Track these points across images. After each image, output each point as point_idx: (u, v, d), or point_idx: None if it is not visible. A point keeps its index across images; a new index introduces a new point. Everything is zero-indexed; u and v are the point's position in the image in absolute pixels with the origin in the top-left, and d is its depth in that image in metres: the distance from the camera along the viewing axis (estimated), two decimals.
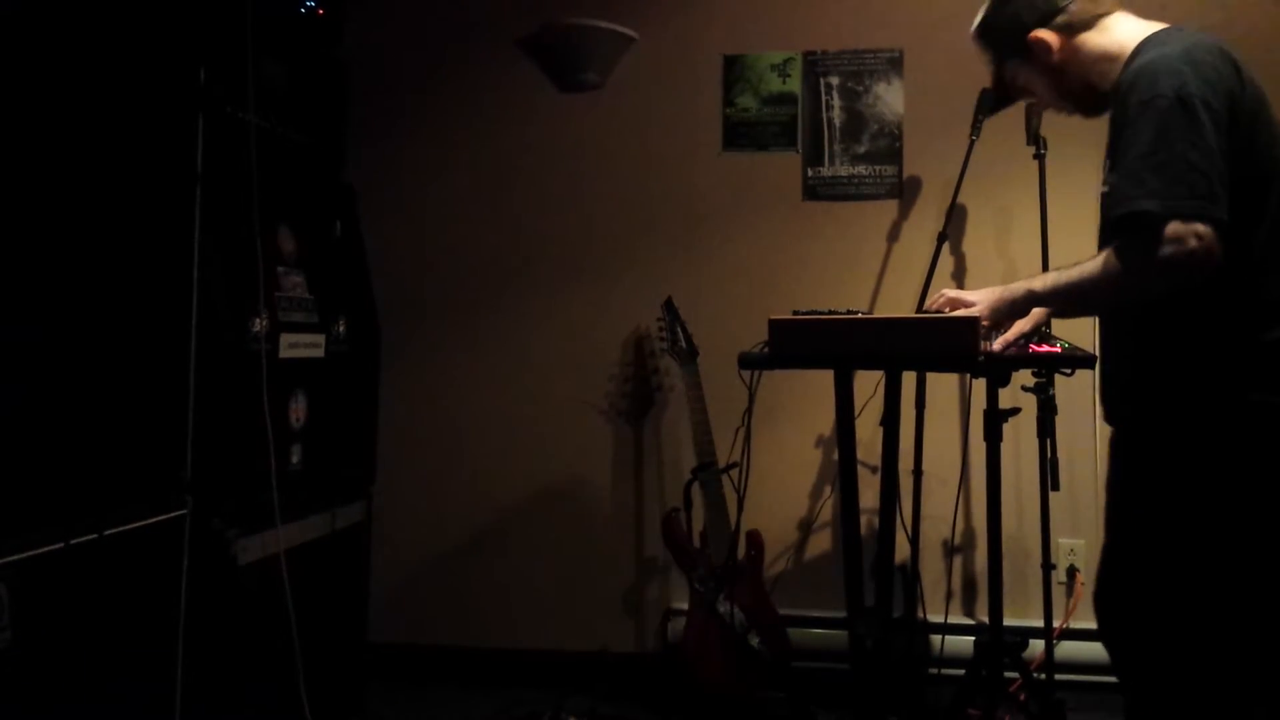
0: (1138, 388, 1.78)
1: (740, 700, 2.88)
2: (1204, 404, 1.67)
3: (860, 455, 2.59)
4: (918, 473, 2.92)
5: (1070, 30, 1.80)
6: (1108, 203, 1.68)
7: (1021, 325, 1.95)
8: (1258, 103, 1.69)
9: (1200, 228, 1.56)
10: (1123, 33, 1.79)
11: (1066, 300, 1.84)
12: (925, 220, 3.20)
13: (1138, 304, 1.75)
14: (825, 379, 2.43)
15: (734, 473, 2.82)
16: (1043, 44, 1.82)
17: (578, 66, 3.34)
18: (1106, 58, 1.79)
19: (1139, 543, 1.75)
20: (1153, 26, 1.79)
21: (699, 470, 2.99)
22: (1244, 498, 1.66)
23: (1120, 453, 1.81)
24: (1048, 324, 2.10)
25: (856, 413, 2.51)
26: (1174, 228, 1.56)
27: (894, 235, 3.24)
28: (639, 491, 3.33)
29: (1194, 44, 1.69)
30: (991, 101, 2.02)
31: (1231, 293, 1.66)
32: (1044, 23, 1.81)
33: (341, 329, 2.81)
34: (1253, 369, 1.65)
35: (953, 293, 2.03)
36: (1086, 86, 1.83)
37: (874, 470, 2.90)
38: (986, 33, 1.91)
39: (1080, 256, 1.89)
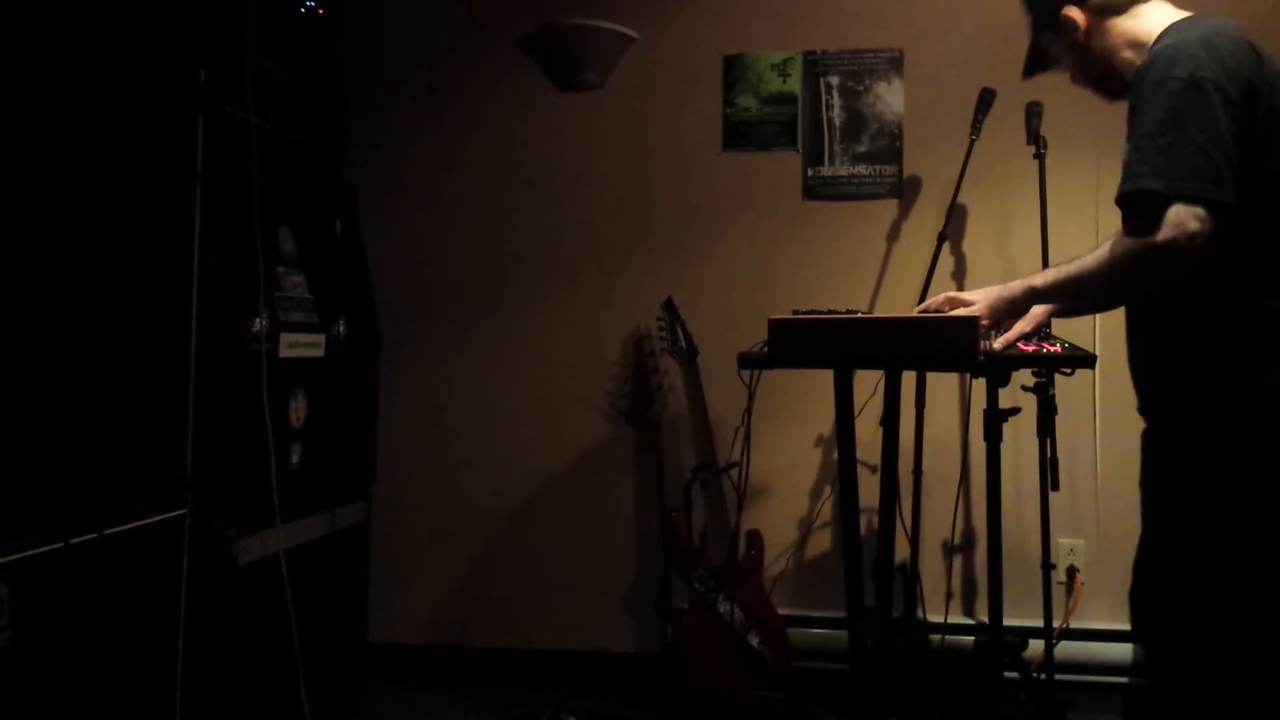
0: (1170, 379, 1.77)
1: (740, 700, 2.88)
2: (1236, 395, 1.66)
3: (860, 455, 2.59)
4: (918, 473, 2.92)
5: (1102, 12, 1.82)
6: None
7: (1021, 326, 1.95)
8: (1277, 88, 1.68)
9: (1201, 211, 1.56)
10: (1152, 20, 1.79)
11: (1068, 294, 1.85)
12: (925, 220, 3.20)
13: (1139, 295, 1.76)
14: (825, 379, 2.43)
15: (734, 473, 2.82)
16: (1072, 21, 1.84)
17: (578, 66, 3.34)
18: (1133, 44, 1.79)
19: (1175, 538, 1.74)
20: (1183, 15, 1.79)
21: (699, 470, 2.99)
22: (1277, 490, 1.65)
23: (1153, 446, 1.79)
24: (1048, 324, 2.10)
25: (856, 413, 2.51)
26: (1176, 210, 1.56)
27: (894, 235, 3.24)
28: (639, 491, 3.33)
29: (1213, 30, 1.69)
30: (1027, 63, 2.04)
31: (1257, 280, 1.66)
32: (1078, 1, 1.83)
33: (341, 329, 2.81)
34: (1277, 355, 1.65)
35: (951, 294, 2.03)
36: (1108, 69, 1.84)
37: (874, 470, 2.90)
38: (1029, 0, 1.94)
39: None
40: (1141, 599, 1.81)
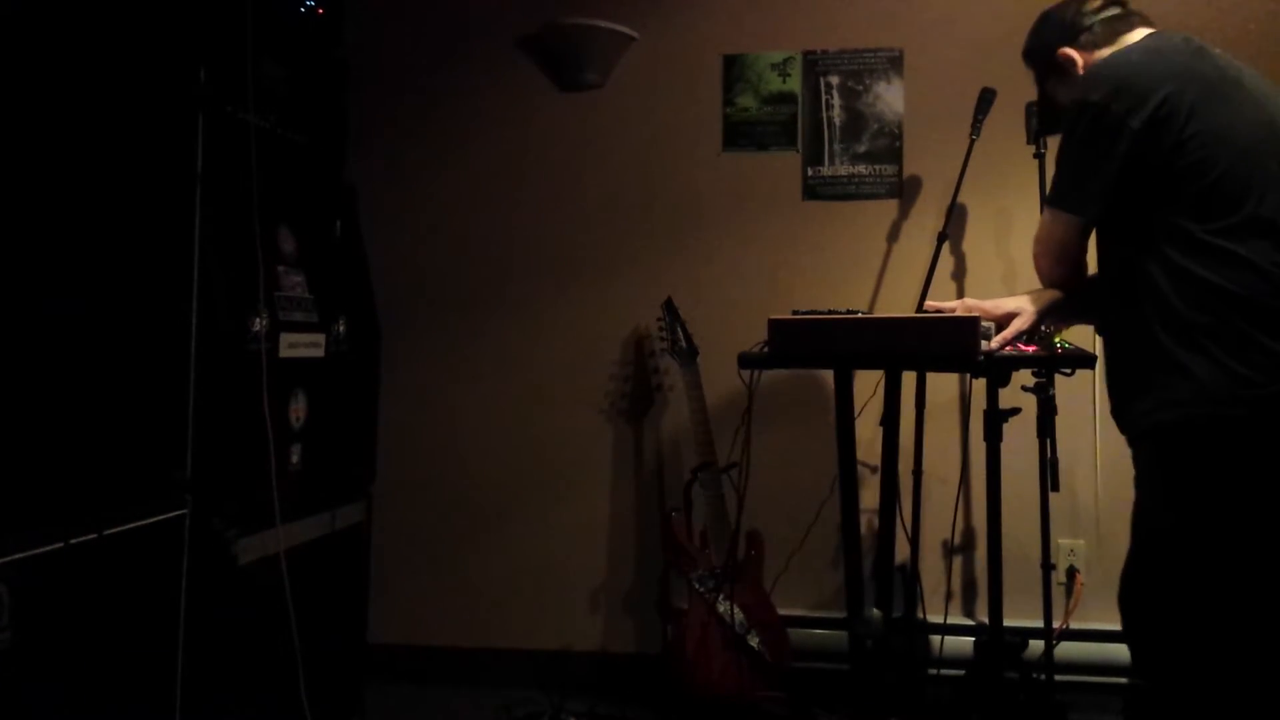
0: (1121, 393, 1.81)
1: (740, 700, 2.88)
2: (1189, 407, 1.68)
3: (860, 455, 2.59)
4: (918, 473, 2.92)
5: (1093, 47, 1.89)
6: None
7: (1018, 324, 1.97)
8: (1212, 96, 1.72)
9: (1060, 222, 1.85)
10: None
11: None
12: (925, 220, 3.20)
13: (1046, 281, 2.00)
14: (825, 379, 2.44)
15: (734, 473, 2.82)
16: (1069, 58, 1.91)
17: (578, 66, 3.34)
18: None
19: (1153, 547, 1.76)
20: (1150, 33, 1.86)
21: (699, 470, 2.99)
22: (1245, 500, 1.67)
23: (1136, 457, 1.83)
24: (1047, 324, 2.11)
25: (856, 413, 2.51)
26: (1044, 221, 1.89)
27: (894, 235, 3.24)
28: (639, 491, 3.33)
29: (1134, 48, 1.81)
30: (1038, 124, 2.17)
31: (1156, 310, 1.72)
32: (1070, 41, 1.92)
33: (341, 329, 2.81)
34: (1226, 367, 1.66)
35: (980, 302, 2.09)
36: None
37: (874, 470, 2.90)
38: (1028, 55, 2.04)
39: None
40: (1127, 604, 1.84)
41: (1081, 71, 1.89)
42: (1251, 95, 1.75)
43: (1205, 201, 1.68)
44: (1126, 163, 1.72)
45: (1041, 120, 2.15)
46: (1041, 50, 1.96)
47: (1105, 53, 1.86)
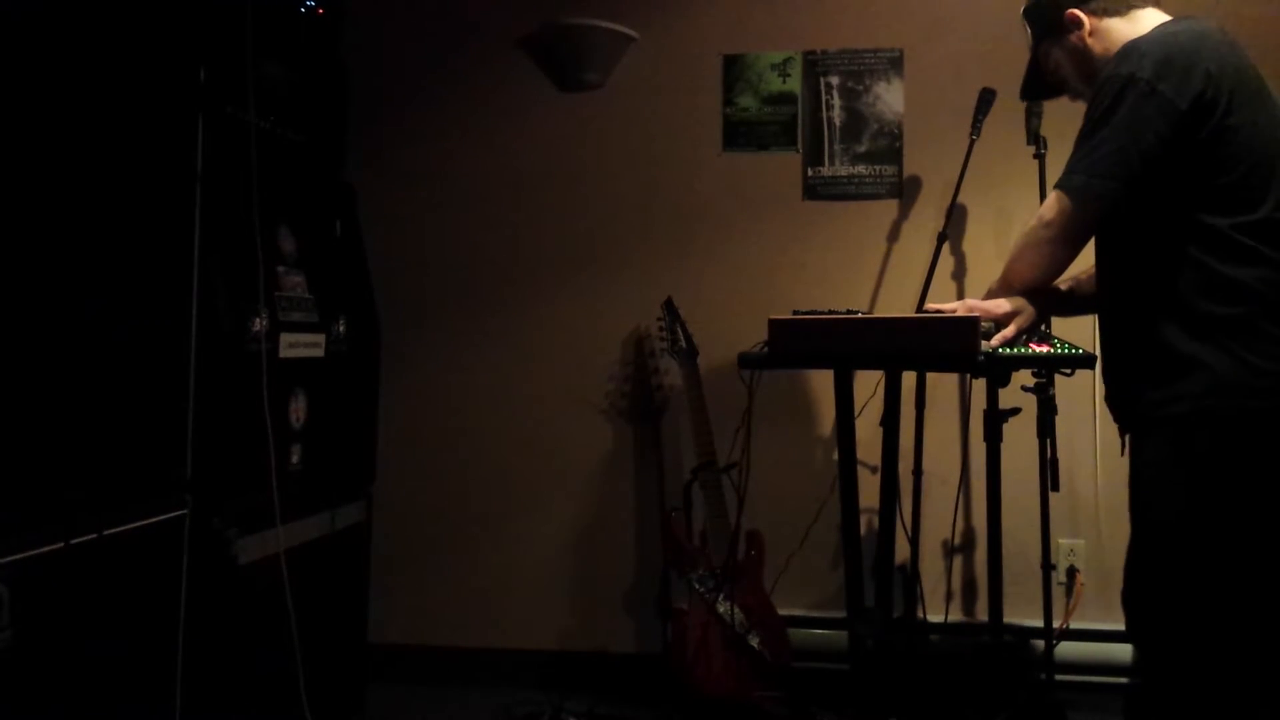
0: (1128, 385, 1.81)
1: (740, 700, 2.88)
2: (1204, 399, 1.68)
3: (860, 455, 2.59)
4: (918, 473, 2.92)
5: (1104, 13, 1.88)
6: None
7: (1019, 322, 1.96)
8: (1245, 88, 1.71)
9: (1068, 203, 1.75)
10: (1144, 25, 1.83)
11: (1004, 281, 1.98)
12: (925, 220, 3.20)
13: (1041, 270, 1.90)
14: (825, 379, 2.44)
15: (734, 473, 2.82)
16: (1076, 19, 1.90)
17: (578, 66, 3.34)
18: None
19: (1161, 540, 1.76)
20: (1169, 19, 1.84)
21: (699, 470, 2.99)
22: (1259, 491, 1.67)
23: (1131, 452, 1.83)
24: (1047, 324, 2.10)
25: (856, 413, 2.51)
26: (1063, 202, 1.76)
27: (894, 235, 3.24)
28: (639, 491, 3.33)
29: (1178, 29, 1.76)
30: (1028, 88, 2.10)
31: (1167, 305, 1.71)
32: (1081, 3, 1.90)
33: (341, 329, 2.81)
34: (1234, 365, 1.66)
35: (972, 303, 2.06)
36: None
37: (874, 470, 2.90)
38: (1031, 10, 2.00)
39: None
40: (1131, 601, 1.83)
41: (1088, 36, 1.88)
42: (1270, 96, 1.76)
43: (1229, 196, 1.68)
44: (1168, 144, 1.68)
45: (1027, 84, 2.10)
46: (1050, 7, 1.93)
47: (1114, 22, 1.86)
